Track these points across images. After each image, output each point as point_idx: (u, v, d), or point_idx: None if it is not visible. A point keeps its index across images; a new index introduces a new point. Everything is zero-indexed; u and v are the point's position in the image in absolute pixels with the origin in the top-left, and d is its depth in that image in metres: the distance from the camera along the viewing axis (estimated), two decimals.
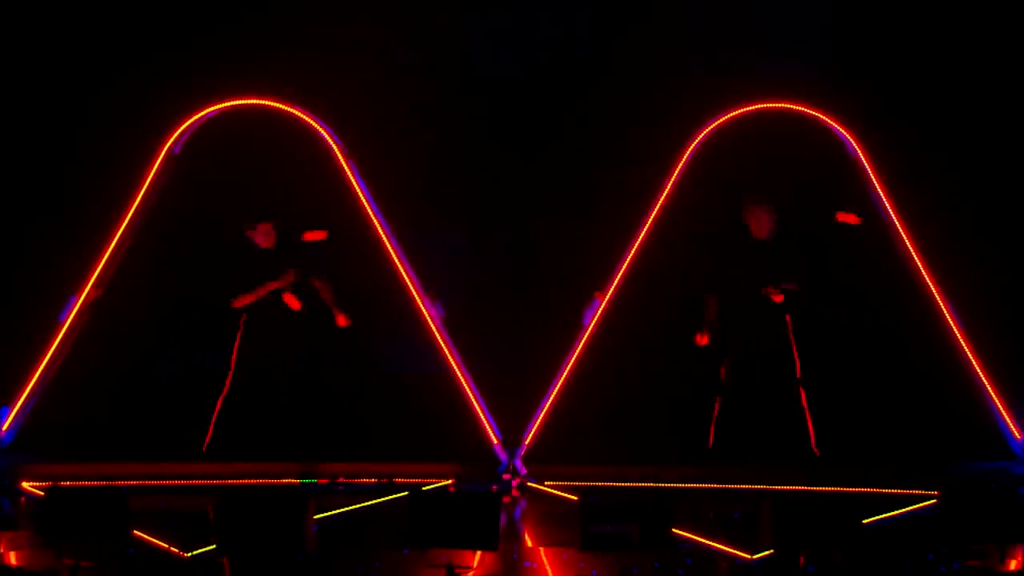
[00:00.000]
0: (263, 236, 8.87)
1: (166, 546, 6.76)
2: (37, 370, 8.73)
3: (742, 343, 8.67)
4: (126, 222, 8.94)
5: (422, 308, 8.82)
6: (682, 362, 8.91)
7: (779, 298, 8.56)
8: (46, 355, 8.74)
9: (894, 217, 8.91)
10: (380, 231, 8.97)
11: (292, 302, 8.75)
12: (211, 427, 8.66)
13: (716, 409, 8.66)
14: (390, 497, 7.89)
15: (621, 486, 7.88)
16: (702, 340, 8.62)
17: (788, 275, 8.62)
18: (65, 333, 8.80)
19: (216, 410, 8.69)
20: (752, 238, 8.74)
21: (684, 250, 8.90)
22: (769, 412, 8.59)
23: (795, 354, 8.63)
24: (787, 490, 7.77)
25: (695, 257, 8.81)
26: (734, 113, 8.99)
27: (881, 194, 8.96)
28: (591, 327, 8.78)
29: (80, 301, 8.82)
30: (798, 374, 8.62)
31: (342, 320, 8.85)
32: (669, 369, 8.99)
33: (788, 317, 8.62)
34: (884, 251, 8.93)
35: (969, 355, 8.65)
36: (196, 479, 8.22)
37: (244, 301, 8.74)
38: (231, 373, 8.74)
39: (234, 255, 8.86)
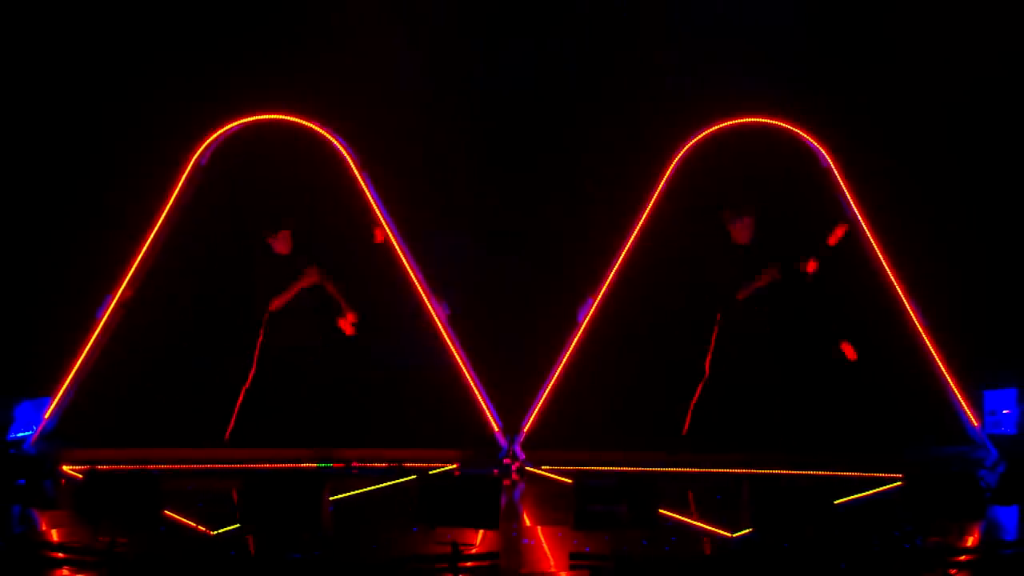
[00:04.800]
0: (282, 242, 8.86)
1: (194, 525, 6.79)
2: (76, 362, 8.77)
3: (731, 338, 8.66)
4: (157, 227, 8.97)
5: (429, 306, 8.85)
6: (668, 356, 8.97)
7: (813, 266, 8.49)
8: (84, 348, 8.78)
9: (862, 221, 8.93)
10: (390, 235, 8.98)
11: (346, 328, 8.75)
12: (234, 416, 8.68)
13: (696, 397, 8.64)
14: (400, 480, 7.94)
15: (613, 470, 7.93)
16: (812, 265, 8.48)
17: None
18: (102, 329, 8.83)
19: (239, 401, 8.71)
20: (734, 243, 8.75)
21: (674, 253, 8.91)
22: (748, 402, 8.62)
23: (775, 348, 8.64)
24: (765, 473, 7.80)
25: (686, 261, 8.78)
26: (715, 127, 9.01)
27: (850, 199, 8.98)
28: (585, 324, 8.80)
29: (115, 299, 8.86)
30: (777, 367, 8.64)
31: (350, 320, 8.78)
32: (656, 362, 9.03)
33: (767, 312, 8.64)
34: (854, 253, 8.94)
35: (932, 350, 8.67)
36: (222, 463, 8.27)
37: (279, 303, 8.72)
38: (254, 367, 8.76)
39: (255, 259, 8.87)
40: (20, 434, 8.73)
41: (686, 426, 8.64)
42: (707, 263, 8.72)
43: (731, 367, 8.63)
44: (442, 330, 8.81)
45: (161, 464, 8.13)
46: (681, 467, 8.19)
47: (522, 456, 8.41)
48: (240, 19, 9.40)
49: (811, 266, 8.48)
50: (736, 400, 8.60)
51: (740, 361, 8.63)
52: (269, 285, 8.75)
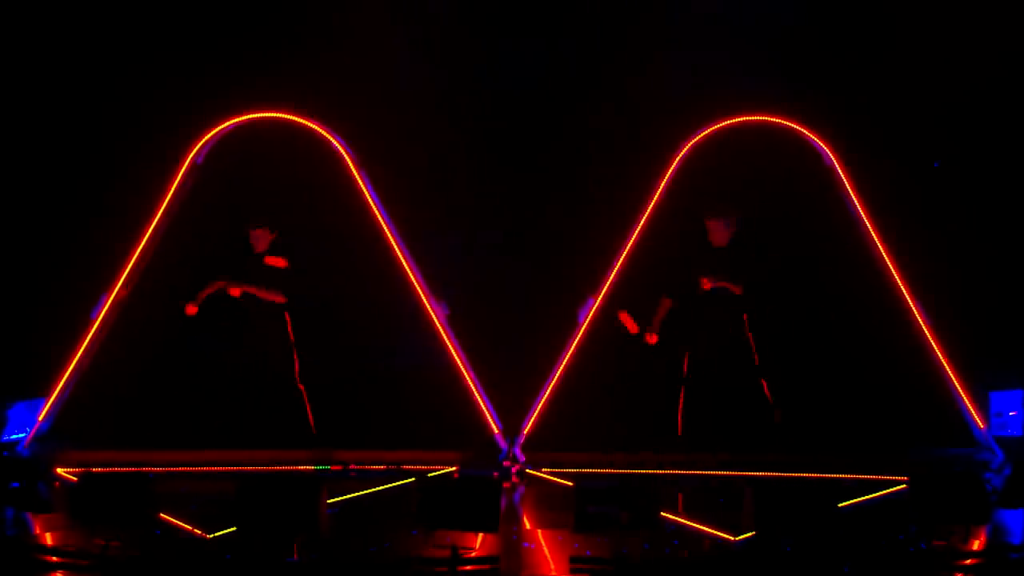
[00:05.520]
0: (256, 240, 8.76)
1: (189, 528, 6.69)
2: (71, 363, 8.67)
3: (704, 339, 8.58)
4: (152, 226, 8.88)
5: (428, 307, 8.76)
6: (668, 356, 8.87)
7: (707, 286, 8.43)
8: (79, 349, 8.68)
9: (866, 220, 8.84)
10: (389, 235, 8.90)
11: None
12: (236, 417, 8.60)
13: (681, 400, 8.60)
14: (398, 483, 7.84)
15: (613, 472, 7.86)
16: (651, 339, 8.53)
17: (740, 276, 8.51)
18: (97, 329, 8.73)
19: (242, 402, 8.64)
20: (712, 245, 8.65)
21: (666, 252, 8.83)
22: (737, 402, 8.52)
23: (752, 348, 8.55)
24: (768, 476, 7.71)
25: (667, 260, 8.71)
26: (717, 126, 8.94)
27: (854, 198, 8.90)
28: (585, 324, 8.72)
29: (110, 299, 8.76)
30: (756, 363, 8.55)
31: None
32: (657, 362, 8.93)
33: (744, 316, 8.55)
34: (858, 253, 8.86)
35: (937, 351, 8.59)
36: (218, 465, 8.17)
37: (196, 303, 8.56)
38: (254, 367, 8.67)
39: (238, 256, 8.80)
40: (14, 436, 8.64)
41: (679, 429, 8.59)
42: (685, 262, 8.65)
43: (733, 368, 8.52)
44: (442, 330, 8.73)
45: (156, 466, 8.02)
46: (683, 469, 8.10)
47: (522, 458, 8.32)
48: (240, 19, 9.33)
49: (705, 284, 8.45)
50: (738, 401, 8.51)
51: (741, 362, 8.52)
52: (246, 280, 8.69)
